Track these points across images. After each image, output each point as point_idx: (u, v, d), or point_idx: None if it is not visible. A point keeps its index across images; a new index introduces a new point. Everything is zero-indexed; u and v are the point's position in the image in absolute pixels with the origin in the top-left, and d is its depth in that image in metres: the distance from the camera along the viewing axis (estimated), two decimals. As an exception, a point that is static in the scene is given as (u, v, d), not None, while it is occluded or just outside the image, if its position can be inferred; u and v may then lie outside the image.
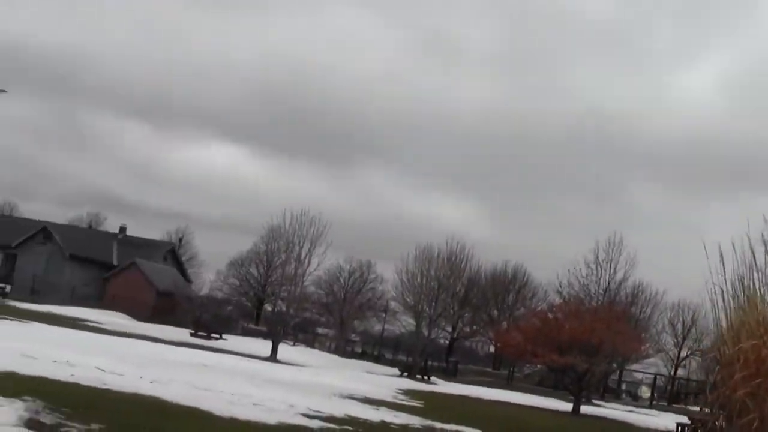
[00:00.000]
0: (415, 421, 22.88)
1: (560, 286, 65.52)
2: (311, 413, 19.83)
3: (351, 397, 27.74)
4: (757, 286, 12.88)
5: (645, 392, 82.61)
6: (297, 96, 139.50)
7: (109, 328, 50.67)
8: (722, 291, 12.88)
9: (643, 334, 49.24)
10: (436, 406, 30.59)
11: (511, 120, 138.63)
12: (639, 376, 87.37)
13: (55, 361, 20.53)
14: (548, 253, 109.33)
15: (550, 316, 46.51)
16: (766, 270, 13.37)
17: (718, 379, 12.38)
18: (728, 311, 12.72)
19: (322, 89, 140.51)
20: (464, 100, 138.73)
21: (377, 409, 24.83)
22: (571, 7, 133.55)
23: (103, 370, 20.47)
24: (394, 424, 21.22)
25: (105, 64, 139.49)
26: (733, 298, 12.77)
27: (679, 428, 36.14)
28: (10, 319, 40.04)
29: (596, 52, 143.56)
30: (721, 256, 12.93)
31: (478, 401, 39.84)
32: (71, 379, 17.52)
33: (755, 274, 13.02)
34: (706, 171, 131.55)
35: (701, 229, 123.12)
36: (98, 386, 17.38)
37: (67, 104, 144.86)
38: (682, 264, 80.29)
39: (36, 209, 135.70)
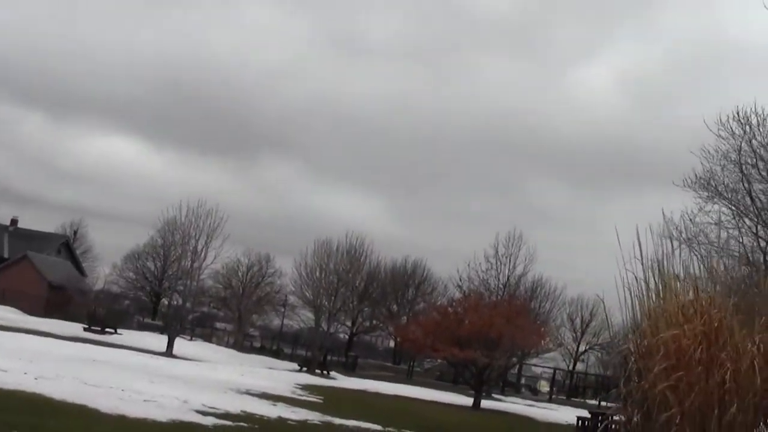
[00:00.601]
0: (313, 416, 22.34)
1: (460, 280, 65.71)
2: (205, 409, 19.15)
3: (248, 393, 27.08)
4: (675, 272, 12.61)
5: (544, 386, 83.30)
6: (201, 89, 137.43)
7: (-3, 322, 49.06)
8: (636, 278, 12.56)
9: (542, 328, 49.39)
10: (335, 402, 30.12)
11: (415, 116, 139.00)
12: (538, 370, 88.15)
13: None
14: (450, 249, 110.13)
15: (450, 310, 46.27)
16: (681, 257, 13.15)
17: (632, 372, 12.02)
18: (644, 299, 12.40)
19: (226, 82, 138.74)
20: (368, 96, 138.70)
21: (275, 405, 24.24)
22: (474, 3, 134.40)
23: (-18, 367, 19.51)
24: (292, 420, 20.65)
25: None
26: (649, 285, 12.46)
27: (580, 422, 36.41)
28: None
29: (499, 47, 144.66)
30: (638, 239, 12.64)
31: (378, 396, 39.45)
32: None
33: (673, 260, 12.75)
34: (607, 167, 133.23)
35: (602, 225, 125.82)
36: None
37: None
38: (582, 260, 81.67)
39: None
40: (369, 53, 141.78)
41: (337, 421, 22.12)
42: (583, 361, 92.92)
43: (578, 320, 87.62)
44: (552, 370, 79.86)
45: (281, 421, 20.25)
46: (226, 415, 18.75)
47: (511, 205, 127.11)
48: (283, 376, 42.41)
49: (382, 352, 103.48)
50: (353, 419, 22.88)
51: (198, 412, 18.50)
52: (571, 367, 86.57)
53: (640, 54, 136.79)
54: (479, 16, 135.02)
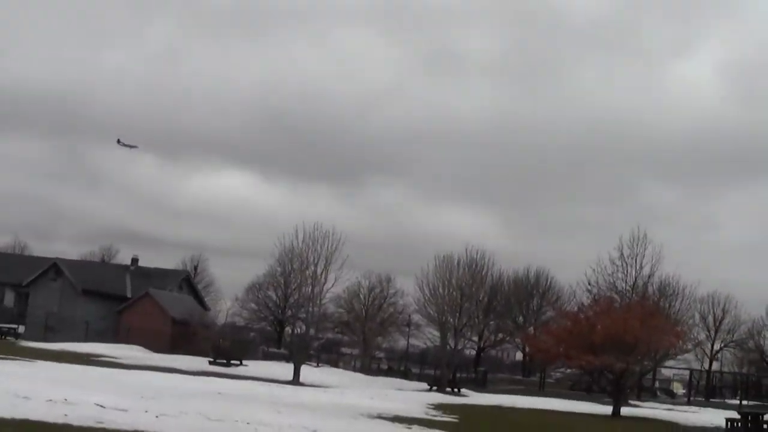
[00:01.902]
0: (451, 438, 20.94)
1: (589, 284, 63.29)
2: (336, 439, 17.92)
3: (380, 417, 25.78)
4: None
5: (678, 389, 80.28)
6: (302, 118, 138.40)
7: (123, 362, 48.72)
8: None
9: (679, 328, 46.99)
10: (471, 420, 28.74)
11: (518, 127, 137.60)
12: (670, 372, 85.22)
13: (50, 401, 18.60)
14: (567, 256, 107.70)
15: (581, 316, 44.30)
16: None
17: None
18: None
19: (327, 109, 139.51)
20: (469, 111, 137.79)
21: (409, 428, 22.94)
22: (568, 9, 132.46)
23: (103, 407, 18.54)
24: (429, 444, 19.26)
25: (106, 97, 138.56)
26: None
27: (729, 423, 34.31)
28: (16, 359, 38.16)
29: (593, 52, 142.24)
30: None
31: (514, 411, 38.03)
32: (62, 420, 15.63)
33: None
34: (716, 162, 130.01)
35: (716, 221, 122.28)
36: (92, 425, 15.47)
37: (72, 141, 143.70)
38: (702, 257, 78.87)
39: (50, 249, 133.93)
40: (467, 69, 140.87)
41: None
42: (717, 359, 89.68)
43: (710, 318, 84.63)
44: (686, 371, 76.93)
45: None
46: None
47: (624, 207, 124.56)
48: (413, 397, 41.20)
49: (509, 365, 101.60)
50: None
51: (329, 441, 17.28)
52: (705, 367, 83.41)
53: (738, 44, 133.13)
54: (573, 22, 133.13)
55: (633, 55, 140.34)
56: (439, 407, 34.36)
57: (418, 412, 30.07)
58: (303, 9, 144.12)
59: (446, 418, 28.50)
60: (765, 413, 38.42)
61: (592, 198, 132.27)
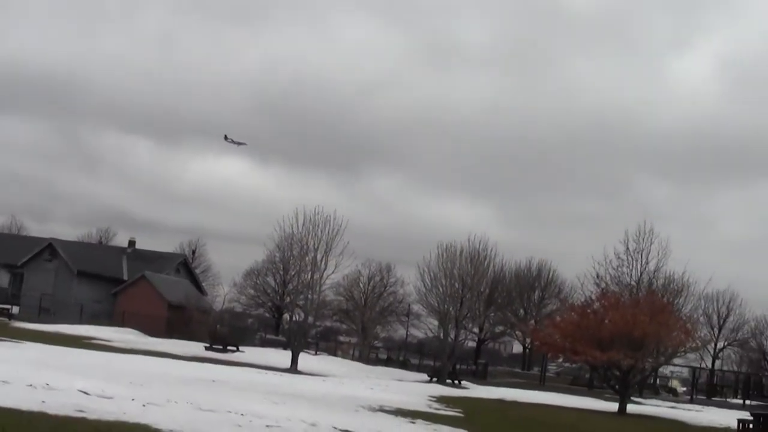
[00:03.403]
0: (459, 435, 19.70)
1: (597, 277, 61.94)
2: (337, 434, 16.66)
3: (381, 410, 24.55)
4: None
5: (676, 386, 79.11)
6: (301, 105, 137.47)
7: (117, 345, 47.52)
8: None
9: (689, 325, 45.64)
10: (477, 415, 27.50)
11: (516, 119, 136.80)
12: (666, 370, 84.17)
13: (31, 386, 17.29)
14: (565, 249, 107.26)
15: (589, 310, 42.97)
16: None
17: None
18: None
19: (326, 97, 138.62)
20: (467, 101, 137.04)
21: (413, 423, 21.73)
22: (564, 0, 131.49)
23: (87, 394, 17.23)
24: (436, 441, 18.00)
25: (104, 81, 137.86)
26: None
27: (741, 425, 33.17)
28: (4, 340, 36.84)
29: (593, 44, 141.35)
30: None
31: (518, 406, 36.89)
32: (37, 407, 14.28)
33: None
34: (711, 158, 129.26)
35: (716, 218, 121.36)
36: (70, 414, 14.14)
37: (71, 124, 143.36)
38: (700, 254, 77.89)
39: (47, 230, 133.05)
40: (465, 60, 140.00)
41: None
42: (719, 358, 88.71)
43: (715, 316, 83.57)
44: (684, 369, 76.14)
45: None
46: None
47: (621, 201, 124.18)
48: (414, 388, 40.16)
49: (506, 358, 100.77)
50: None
51: (329, 437, 16.01)
52: (707, 365, 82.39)
53: (736, 39, 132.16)
54: (571, 14, 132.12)
55: (633, 49, 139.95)
56: (441, 400, 33.38)
57: (421, 405, 28.94)
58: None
59: (450, 413, 27.32)
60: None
61: (589, 192, 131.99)
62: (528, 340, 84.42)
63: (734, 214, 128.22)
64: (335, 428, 17.44)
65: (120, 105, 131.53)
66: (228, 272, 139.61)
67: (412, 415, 23.94)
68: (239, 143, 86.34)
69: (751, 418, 33.50)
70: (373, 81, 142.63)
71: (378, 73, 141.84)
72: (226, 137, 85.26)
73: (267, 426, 16.29)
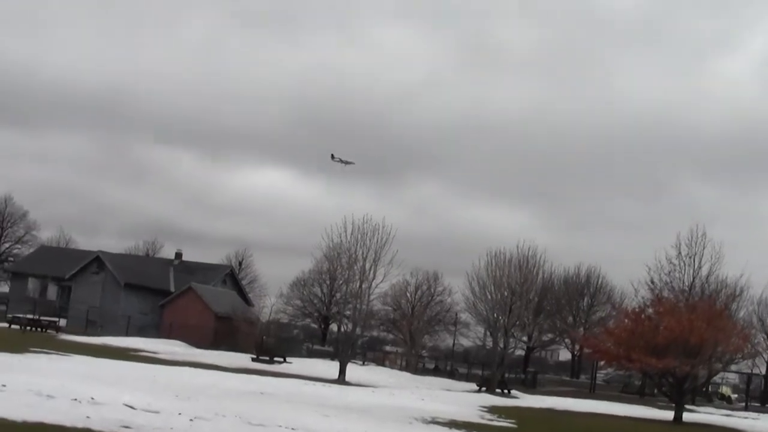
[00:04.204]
0: (515, 447, 18.99)
1: (652, 282, 60.84)
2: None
3: (434, 422, 23.93)
4: None
5: (727, 393, 77.58)
6: (342, 112, 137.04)
7: (163, 357, 47.14)
8: None
9: (746, 330, 44.54)
10: (528, 425, 26.88)
11: (559, 123, 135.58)
12: (717, 377, 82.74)
13: (75, 400, 16.80)
14: (611, 254, 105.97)
15: (643, 316, 41.96)
16: None
17: None
18: None
19: (364, 105, 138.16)
20: (507, 104, 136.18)
21: (468, 435, 21.05)
22: (607, 3, 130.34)
23: (132, 408, 16.74)
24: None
25: (148, 94, 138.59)
26: None
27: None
28: (51, 353, 36.58)
29: (632, 44, 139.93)
30: None
31: (569, 415, 36.24)
32: (82, 423, 13.81)
33: None
34: (759, 159, 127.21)
35: (763, 218, 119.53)
36: (115, 430, 13.65)
37: (117, 138, 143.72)
38: (749, 256, 76.23)
39: (95, 243, 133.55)
40: (506, 63, 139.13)
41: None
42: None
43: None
44: (734, 376, 74.69)
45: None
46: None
47: (664, 203, 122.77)
48: (464, 398, 39.52)
49: (553, 365, 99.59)
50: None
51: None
52: (761, 371, 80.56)
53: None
54: (611, 15, 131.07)
55: (673, 49, 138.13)
56: (492, 410, 32.68)
57: (472, 416, 28.31)
58: (340, 4, 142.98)
59: (503, 423, 26.68)
60: None
61: (633, 195, 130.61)
62: (577, 348, 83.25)
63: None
64: (389, 442, 16.87)
65: (164, 117, 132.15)
66: (275, 283, 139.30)
67: (466, 426, 23.32)
68: (347, 162, 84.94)
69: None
70: (413, 85, 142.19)
71: (418, 77, 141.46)
72: (332, 156, 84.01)
73: (318, 441, 15.73)
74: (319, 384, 38.13)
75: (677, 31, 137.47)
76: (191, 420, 16.14)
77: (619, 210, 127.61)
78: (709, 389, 75.03)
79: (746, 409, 61.03)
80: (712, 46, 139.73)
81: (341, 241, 50.94)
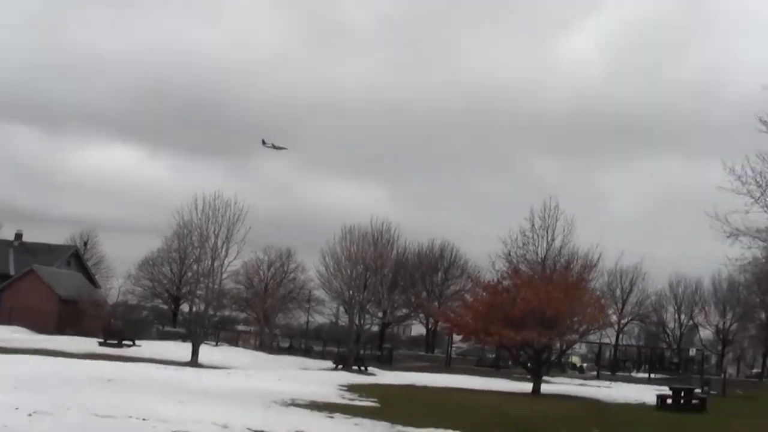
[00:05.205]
0: (383, 429, 18.13)
1: (509, 255, 61.17)
2: (253, 437, 14.84)
3: (294, 404, 22.90)
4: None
5: (577, 362, 79.05)
6: (188, 90, 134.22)
7: (2, 345, 44.49)
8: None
9: (603, 300, 44.84)
10: (393, 404, 26.05)
11: (404, 98, 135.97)
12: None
13: None
14: (465, 228, 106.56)
15: (500, 288, 41.66)
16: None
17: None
18: None
19: (213, 80, 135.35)
20: (358, 81, 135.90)
21: (332, 417, 20.10)
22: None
23: (-37, 404, 15.08)
24: (362, 439, 16.30)
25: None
26: None
27: (660, 400, 32.56)
28: None
29: (480, 21, 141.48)
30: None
31: (429, 390, 36.10)
32: None
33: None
34: (601, 135, 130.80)
35: (605, 193, 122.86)
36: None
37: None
38: (594, 229, 78.08)
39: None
40: (353, 39, 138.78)
41: (414, 431, 17.83)
42: (624, 332, 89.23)
43: (618, 291, 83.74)
44: (582, 346, 76.42)
45: (351, 441, 15.90)
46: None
47: (514, 178, 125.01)
48: (321, 377, 38.82)
49: (406, 341, 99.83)
50: (430, 426, 18.61)
51: (244, 440, 14.19)
52: (610, 340, 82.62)
53: (618, 18, 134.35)
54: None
55: (518, 26, 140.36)
56: (352, 389, 32.07)
57: (333, 396, 27.45)
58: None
59: (365, 403, 25.78)
60: (696, 388, 36.98)
61: (484, 169, 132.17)
62: (432, 322, 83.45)
63: (624, 190, 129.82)
64: (249, 429, 15.71)
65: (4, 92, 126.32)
66: (122, 264, 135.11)
67: (328, 408, 22.30)
68: (279, 147, 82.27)
69: (671, 393, 32.97)
70: (262, 63, 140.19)
71: (266, 54, 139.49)
72: (264, 142, 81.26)
73: (173, 431, 14.40)
74: (171, 367, 36.57)
75: (523, 9, 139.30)
76: (30, 415, 14.60)
77: (471, 184, 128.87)
78: (562, 360, 76.35)
79: (598, 378, 62.05)
80: (557, 24, 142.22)
81: (192, 218, 49.40)
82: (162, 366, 36.88)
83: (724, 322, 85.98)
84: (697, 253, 76.35)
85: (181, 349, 48.88)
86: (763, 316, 79.88)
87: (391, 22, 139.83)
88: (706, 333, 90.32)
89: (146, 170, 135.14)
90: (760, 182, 31.84)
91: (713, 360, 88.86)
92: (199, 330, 49.66)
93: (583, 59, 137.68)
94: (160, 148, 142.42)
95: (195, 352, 46.53)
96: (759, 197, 32.12)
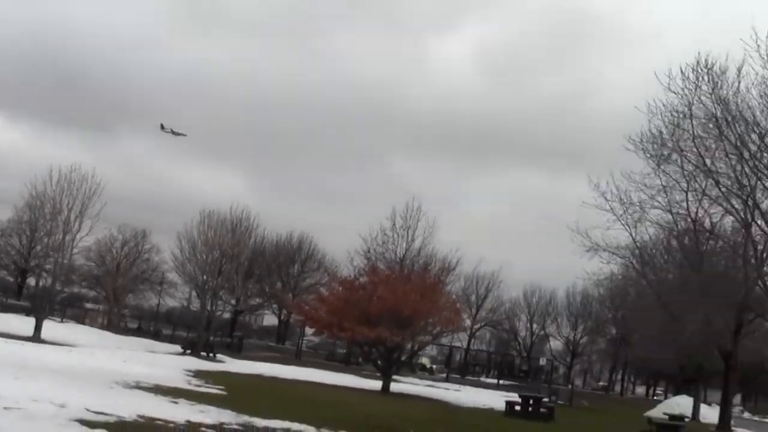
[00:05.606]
0: (228, 418, 17.55)
1: (368, 251, 61.22)
2: (91, 418, 14.21)
3: (138, 387, 22.22)
4: None
5: (427, 363, 79.71)
6: (55, 61, 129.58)
7: None
8: None
9: (458, 304, 45.09)
10: (240, 394, 25.58)
11: (278, 87, 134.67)
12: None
13: None
14: (326, 223, 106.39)
15: (357, 284, 41.46)
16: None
17: None
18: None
19: (86, 55, 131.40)
20: (230, 66, 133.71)
21: (176, 403, 19.47)
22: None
23: None
24: (206, 426, 15.72)
25: None
26: None
27: (509, 406, 32.76)
28: None
29: (359, 18, 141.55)
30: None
31: (278, 381, 35.81)
32: None
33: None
34: (466, 141, 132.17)
35: (467, 199, 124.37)
36: None
37: None
38: (454, 235, 78.84)
39: None
40: (229, 24, 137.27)
41: (260, 422, 17.40)
42: (475, 337, 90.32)
43: (474, 296, 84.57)
44: (439, 347, 77.33)
45: (193, 428, 15.29)
46: (120, 427, 13.75)
47: (381, 179, 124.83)
48: (168, 361, 38.20)
49: (257, 330, 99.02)
50: (277, 419, 18.15)
51: (81, 422, 13.49)
52: (462, 344, 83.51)
53: (497, 24, 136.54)
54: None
55: (397, 27, 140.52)
56: (198, 374, 31.62)
57: (179, 381, 26.92)
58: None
59: (212, 390, 25.26)
60: (544, 397, 37.39)
61: (351, 166, 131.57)
62: (285, 314, 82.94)
63: (486, 196, 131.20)
64: (88, 410, 15.00)
65: None
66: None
67: (173, 393, 21.66)
68: (178, 134, 79.14)
69: (520, 400, 33.21)
70: (133, 40, 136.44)
71: (138, 31, 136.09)
72: (162, 126, 77.96)
73: (5, 408, 13.64)
74: (11, 342, 35.33)
75: (399, 10, 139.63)
76: None
77: (336, 180, 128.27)
78: (413, 360, 76.84)
79: (447, 380, 62.58)
80: (434, 27, 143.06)
81: (45, 189, 47.87)
82: (1, 339, 35.51)
83: (574, 335, 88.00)
84: (554, 265, 77.48)
85: (24, 324, 47.27)
86: (613, 331, 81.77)
87: (272, 8, 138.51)
88: (556, 344, 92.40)
89: (4, 138, 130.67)
90: (624, 200, 32.49)
91: (561, 370, 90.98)
92: (44, 304, 48.15)
93: (454, 61, 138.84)
94: (21, 115, 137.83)
95: (38, 327, 45.03)
96: (621, 215, 32.83)
